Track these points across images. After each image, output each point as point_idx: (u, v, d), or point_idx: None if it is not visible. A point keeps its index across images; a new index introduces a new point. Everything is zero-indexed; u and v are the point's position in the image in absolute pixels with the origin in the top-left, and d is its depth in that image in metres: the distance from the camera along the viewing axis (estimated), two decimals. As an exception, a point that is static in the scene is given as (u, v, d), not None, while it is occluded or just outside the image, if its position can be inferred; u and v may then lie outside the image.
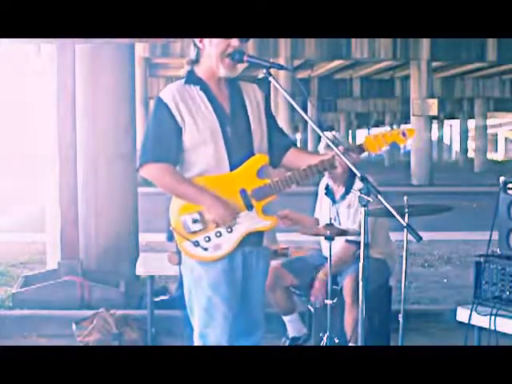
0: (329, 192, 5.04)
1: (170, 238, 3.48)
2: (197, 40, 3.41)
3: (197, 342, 3.45)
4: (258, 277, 3.54)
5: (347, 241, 4.85)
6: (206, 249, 3.36)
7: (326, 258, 4.88)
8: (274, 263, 5.02)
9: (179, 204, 3.39)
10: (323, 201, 5.12)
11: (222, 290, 3.39)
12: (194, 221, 3.35)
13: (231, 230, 3.37)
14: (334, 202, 4.99)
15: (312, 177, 3.51)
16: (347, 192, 4.91)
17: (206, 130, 3.36)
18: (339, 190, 4.97)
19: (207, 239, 3.36)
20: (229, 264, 3.40)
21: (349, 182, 4.90)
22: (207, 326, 3.41)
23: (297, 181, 3.41)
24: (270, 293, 5.06)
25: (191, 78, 3.43)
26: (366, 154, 3.47)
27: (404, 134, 3.40)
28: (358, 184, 4.80)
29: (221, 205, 3.32)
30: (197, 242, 3.36)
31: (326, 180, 5.07)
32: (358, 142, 3.53)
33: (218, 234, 3.37)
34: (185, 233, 3.36)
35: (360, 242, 4.77)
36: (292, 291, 5.20)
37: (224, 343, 3.38)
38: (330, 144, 3.34)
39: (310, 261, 5.14)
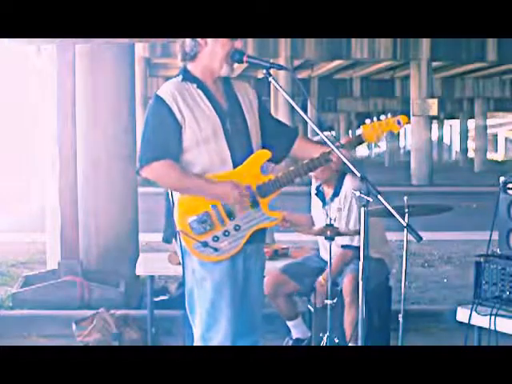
0: (319, 193, 5.04)
1: (168, 239, 3.48)
2: None
3: (198, 343, 3.43)
4: (257, 276, 3.54)
5: (342, 246, 4.85)
6: (215, 249, 3.35)
7: (325, 261, 4.89)
8: (273, 271, 5.01)
9: (184, 206, 3.37)
10: (314, 201, 5.12)
11: (226, 292, 3.38)
12: (202, 221, 3.33)
13: (239, 227, 3.37)
14: (324, 203, 4.99)
15: (314, 170, 3.52)
16: (336, 194, 4.90)
17: (207, 128, 3.35)
18: (329, 192, 4.97)
19: (216, 239, 3.35)
20: (231, 265, 3.39)
21: (338, 183, 4.90)
22: (210, 328, 3.39)
23: (300, 174, 3.42)
24: (272, 300, 5.06)
25: (187, 76, 3.41)
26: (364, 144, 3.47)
27: (399, 122, 3.44)
28: (347, 182, 4.82)
29: (233, 187, 3.29)
30: (205, 242, 3.34)
31: (314, 183, 5.08)
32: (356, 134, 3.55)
33: (227, 234, 3.35)
34: (193, 234, 3.34)
35: (354, 246, 4.82)
36: (293, 297, 5.19)
37: (225, 344, 3.37)
38: (330, 144, 3.34)
39: (310, 264, 5.13)
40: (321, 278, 4.86)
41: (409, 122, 3.52)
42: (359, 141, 3.45)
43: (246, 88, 3.56)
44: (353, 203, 4.81)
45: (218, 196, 3.32)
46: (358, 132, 3.48)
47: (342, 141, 3.39)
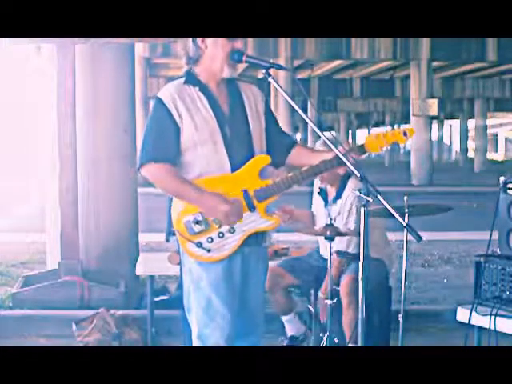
0: (322, 192, 5.04)
1: (168, 238, 3.49)
2: (198, 40, 3.39)
3: (195, 343, 3.45)
4: (257, 277, 3.54)
5: (338, 252, 4.83)
6: (208, 250, 3.35)
7: (324, 259, 4.89)
8: (272, 264, 5.02)
9: (181, 205, 3.38)
10: (316, 200, 5.12)
11: (222, 291, 3.39)
12: (197, 222, 3.34)
13: (234, 230, 3.37)
14: (326, 203, 4.99)
15: (314, 177, 3.52)
16: (338, 197, 4.90)
17: (204, 131, 3.35)
18: (332, 193, 4.97)
19: (210, 240, 3.36)
20: (228, 265, 3.40)
21: (340, 186, 4.89)
22: (206, 326, 3.40)
23: (298, 181, 3.41)
24: (269, 294, 5.06)
25: (190, 79, 3.43)
26: (366, 154, 3.47)
27: (405, 134, 3.43)
28: (350, 186, 4.81)
29: (224, 203, 3.31)
30: (199, 243, 3.35)
31: (318, 183, 5.07)
32: (358, 142, 3.55)
33: (221, 235, 3.36)
34: (187, 234, 3.36)
35: (350, 254, 4.83)
36: (290, 291, 5.19)
37: (223, 344, 3.38)
38: (330, 145, 3.34)
39: (308, 259, 5.15)
40: (320, 294, 4.86)
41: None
42: (361, 151, 3.44)
43: (252, 90, 3.55)
44: (352, 207, 4.80)
45: (210, 209, 3.32)
46: (361, 142, 3.46)
47: (342, 150, 3.36)
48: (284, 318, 5.21)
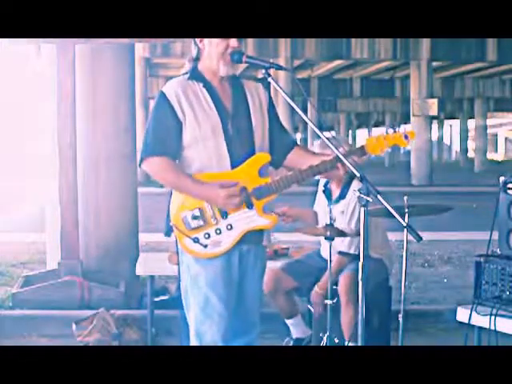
0: (326, 190, 5.03)
1: (168, 233, 3.49)
2: (197, 40, 3.43)
3: (193, 340, 3.46)
4: (254, 276, 3.55)
5: (340, 253, 4.84)
6: (205, 245, 3.37)
7: (325, 259, 4.88)
8: (273, 268, 5.01)
9: (179, 200, 3.40)
10: (320, 198, 5.11)
11: (219, 288, 3.40)
12: (194, 217, 3.36)
13: (231, 227, 3.38)
14: (329, 201, 4.98)
15: (313, 177, 3.52)
16: (342, 196, 4.89)
17: (206, 126, 3.37)
18: (336, 192, 4.96)
19: (207, 236, 3.37)
20: (226, 262, 3.41)
21: (345, 185, 4.88)
22: (203, 324, 3.41)
23: (298, 180, 3.42)
24: (271, 298, 5.05)
25: (195, 75, 3.45)
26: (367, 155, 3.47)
27: (406, 137, 3.43)
28: (355, 186, 4.80)
29: (220, 189, 3.31)
30: (196, 238, 3.37)
31: (323, 181, 5.06)
32: (358, 143, 3.55)
33: (218, 231, 3.38)
34: (185, 229, 3.37)
35: (351, 254, 4.82)
36: (293, 294, 5.19)
37: (219, 342, 3.39)
38: (330, 146, 3.34)
39: (309, 262, 5.13)
40: (316, 288, 4.85)
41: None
42: (361, 152, 3.44)
43: (257, 89, 3.56)
44: (356, 208, 4.79)
45: (207, 198, 3.36)
46: (362, 143, 3.46)
47: (343, 150, 3.36)
48: (289, 322, 5.19)
